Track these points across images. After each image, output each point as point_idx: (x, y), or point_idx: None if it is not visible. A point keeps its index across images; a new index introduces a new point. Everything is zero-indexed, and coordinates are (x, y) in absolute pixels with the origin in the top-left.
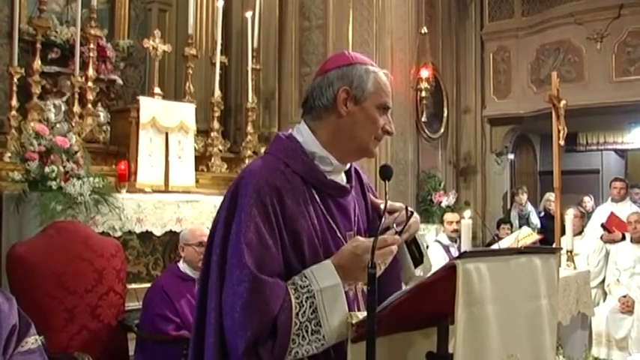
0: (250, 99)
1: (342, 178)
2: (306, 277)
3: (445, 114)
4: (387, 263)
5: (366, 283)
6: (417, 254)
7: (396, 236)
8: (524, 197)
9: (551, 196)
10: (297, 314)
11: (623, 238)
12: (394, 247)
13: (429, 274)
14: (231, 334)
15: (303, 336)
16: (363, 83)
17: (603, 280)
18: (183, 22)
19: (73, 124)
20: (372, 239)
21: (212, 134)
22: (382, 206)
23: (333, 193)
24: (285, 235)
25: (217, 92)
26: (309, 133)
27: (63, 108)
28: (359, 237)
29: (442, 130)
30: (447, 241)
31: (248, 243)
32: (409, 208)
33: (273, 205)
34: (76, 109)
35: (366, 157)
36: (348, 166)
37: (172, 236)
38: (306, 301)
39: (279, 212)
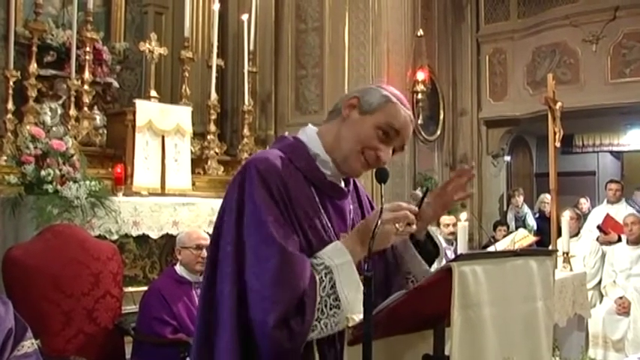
0: (246, 102)
1: (340, 182)
2: (319, 257)
3: (441, 116)
4: (402, 228)
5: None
6: (432, 247)
7: (413, 206)
8: (520, 199)
9: (545, 197)
10: (319, 289)
11: (619, 239)
12: (410, 215)
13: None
14: (259, 312)
15: (322, 310)
16: (373, 99)
17: (599, 282)
18: (179, 25)
19: (69, 128)
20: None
21: (208, 137)
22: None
23: (331, 193)
24: (293, 218)
25: (214, 95)
26: (314, 136)
27: (59, 111)
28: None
29: (438, 132)
30: (443, 244)
31: (272, 220)
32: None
33: (279, 189)
34: (72, 112)
35: (349, 171)
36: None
37: (169, 239)
38: (325, 277)
39: (285, 196)
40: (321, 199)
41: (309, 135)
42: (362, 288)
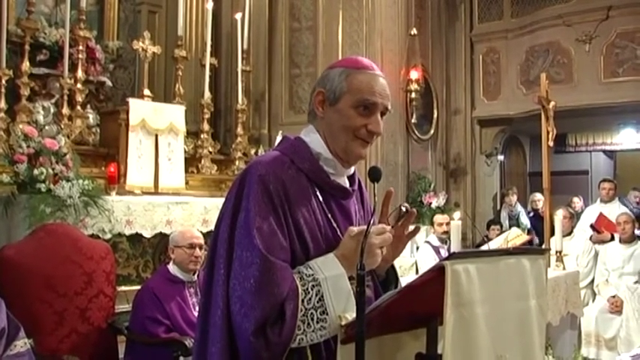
0: (240, 100)
1: (344, 182)
2: (310, 267)
3: (435, 115)
4: (384, 252)
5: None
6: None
7: (390, 227)
8: (514, 198)
9: (535, 196)
10: (302, 300)
11: (612, 238)
12: (390, 235)
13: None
14: (239, 317)
15: (309, 323)
16: (334, 85)
17: (592, 281)
18: (172, 24)
19: (62, 126)
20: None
21: (202, 136)
22: (372, 205)
23: (335, 193)
24: (291, 224)
25: (207, 94)
26: (315, 135)
27: (52, 110)
28: (353, 227)
29: (432, 131)
30: (436, 243)
31: (258, 227)
32: (403, 206)
33: (278, 194)
34: (65, 110)
35: (353, 159)
36: (352, 171)
37: (162, 238)
38: (312, 289)
39: (284, 202)
40: (325, 199)
41: (311, 134)
42: (354, 301)
